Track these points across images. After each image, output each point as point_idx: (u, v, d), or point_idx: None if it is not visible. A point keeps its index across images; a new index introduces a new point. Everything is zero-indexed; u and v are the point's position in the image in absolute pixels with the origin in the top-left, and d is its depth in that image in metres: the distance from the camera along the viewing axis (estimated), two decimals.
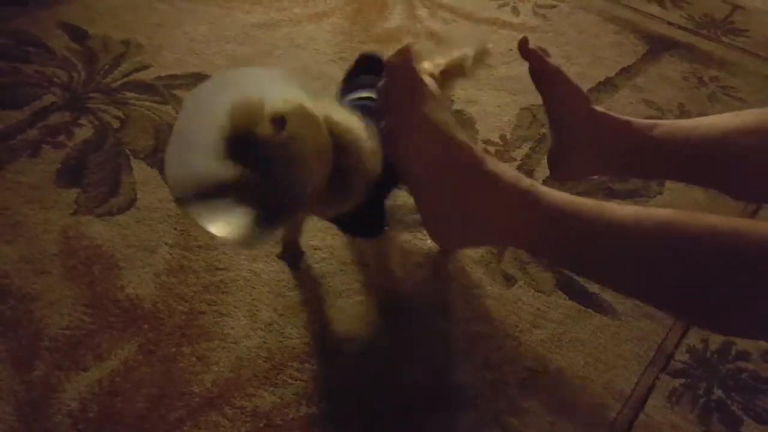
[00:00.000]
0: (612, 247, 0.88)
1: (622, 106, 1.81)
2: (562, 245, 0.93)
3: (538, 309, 1.33)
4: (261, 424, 1.11)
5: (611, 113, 1.17)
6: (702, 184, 1.20)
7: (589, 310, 1.34)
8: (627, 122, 1.14)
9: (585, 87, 1.82)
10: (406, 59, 1.00)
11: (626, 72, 1.94)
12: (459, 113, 1.71)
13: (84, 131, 1.56)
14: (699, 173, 1.10)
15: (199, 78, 1.75)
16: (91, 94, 1.66)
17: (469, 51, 1.35)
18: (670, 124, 1.13)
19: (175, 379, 1.14)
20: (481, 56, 1.39)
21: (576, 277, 1.38)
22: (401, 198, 1.42)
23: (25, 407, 1.08)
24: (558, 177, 1.26)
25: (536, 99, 1.80)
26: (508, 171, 0.97)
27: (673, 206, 0.95)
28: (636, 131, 1.13)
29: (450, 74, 1.32)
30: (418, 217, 1.11)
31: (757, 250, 0.77)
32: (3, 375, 1.12)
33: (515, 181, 0.95)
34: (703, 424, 1.18)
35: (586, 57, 1.95)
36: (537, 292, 1.36)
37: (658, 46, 2.04)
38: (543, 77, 1.19)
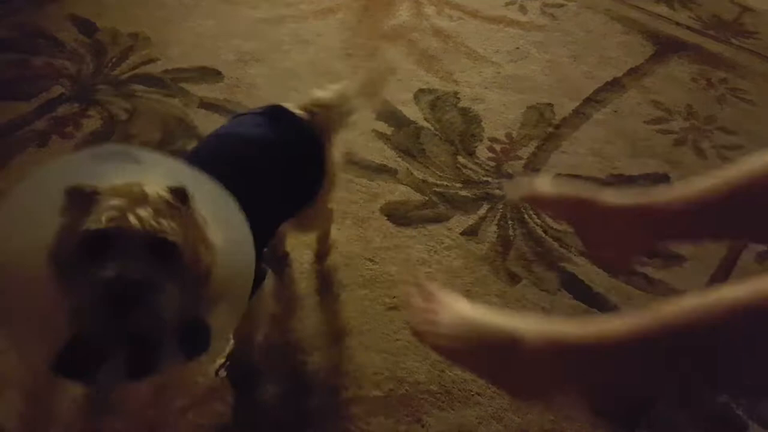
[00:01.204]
0: None
1: (629, 107, 1.84)
2: None
3: (543, 307, 1.36)
4: (265, 412, 1.15)
5: (625, 201, 1.23)
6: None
7: (594, 309, 1.37)
8: (644, 206, 1.18)
9: (592, 86, 1.88)
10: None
11: (634, 72, 1.97)
12: (465, 111, 1.75)
13: (92, 122, 1.59)
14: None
15: (205, 72, 1.79)
16: (99, 86, 1.70)
17: (351, 87, 1.26)
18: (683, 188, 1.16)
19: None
20: (374, 86, 1.27)
21: (581, 277, 1.41)
22: None
23: (32, 395, 1.12)
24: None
25: (543, 97, 1.86)
26: None
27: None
28: (655, 210, 1.16)
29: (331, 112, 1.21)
30: None
31: None
32: (12, 364, 1.15)
33: None
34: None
35: (593, 56, 1.98)
36: (541, 290, 1.39)
37: (666, 47, 2.06)
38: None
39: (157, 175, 0.83)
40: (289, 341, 1.25)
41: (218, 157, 1.03)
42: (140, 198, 0.79)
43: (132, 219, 0.77)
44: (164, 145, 1.56)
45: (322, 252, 1.40)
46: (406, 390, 1.21)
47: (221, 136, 1.10)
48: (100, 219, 0.77)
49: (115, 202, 0.78)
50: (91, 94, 1.67)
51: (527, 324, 1.00)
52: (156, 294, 0.77)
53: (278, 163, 1.08)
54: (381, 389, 1.20)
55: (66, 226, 0.80)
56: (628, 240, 1.17)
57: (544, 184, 1.21)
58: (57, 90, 1.67)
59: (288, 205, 1.13)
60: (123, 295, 0.75)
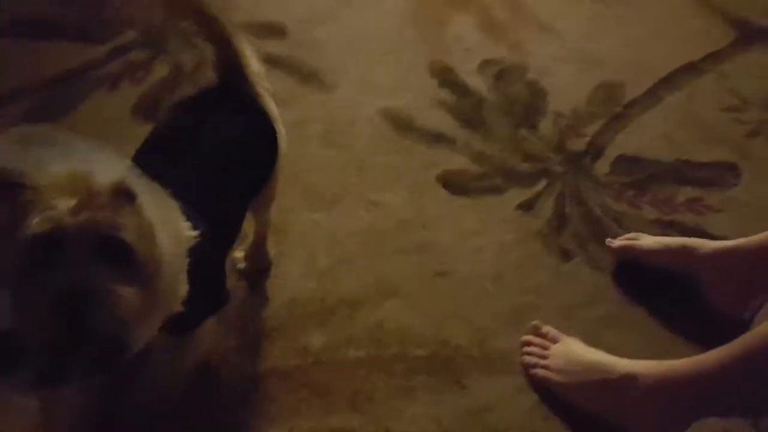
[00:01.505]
0: None
1: (704, 93, 1.80)
2: None
3: (595, 287, 1.36)
4: (310, 360, 1.20)
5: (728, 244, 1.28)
6: None
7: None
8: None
9: (669, 67, 1.83)
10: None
11: (712, 58, 1.92)
12: (531, 84, 1.75)
13: (161, 70, 1.66)
14: None
15: (272, 27, 1.83)
16: (169, 35, 1.76)
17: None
18: None
19: (233, 308, 1.22)
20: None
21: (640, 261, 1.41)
22: None
23: None
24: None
25: (613, 76, 1.84)
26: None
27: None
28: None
29: None
30: None
31: None
32: None
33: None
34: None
35: (671, 37, 1.94)
36: (595, 270, 1.39)
37: (748, 35, 2.00)
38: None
39: (96, 165, 0.77)
40: (337, 296, 1.29)
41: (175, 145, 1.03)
42: (87, 191, 0.73)
43: (81, 217, 0.72)
44: None
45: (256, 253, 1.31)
46: (449, 353, 1.23)
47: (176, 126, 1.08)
48: (44, 219, 0.71)
49: (58, 198, 0.72)
50: (162, 41, 1.73)
51: (638, 363, 1.08)
52: (112, 298, 0.73)
53: (237, 147, 1.06)
54: (424, 350, 1.24)
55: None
56: (747, 282, 1.22)
57: (645, 237, 1.36)
58: (130, 35, 1.73)
59: (251, 187, 1.12)
60: (77, 304, 0.71)
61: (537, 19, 1.95)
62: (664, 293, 1.34)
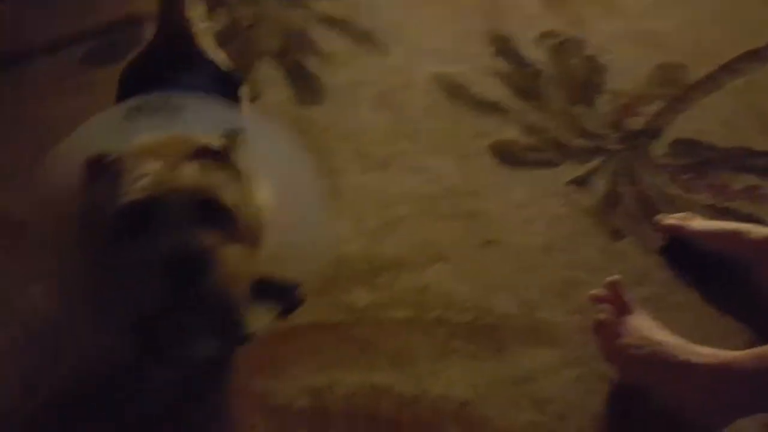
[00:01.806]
0: None
1: (764, 80, 1.77)
2: None
3: (644, 267, 1.34)
4: (355, 317, 1.20)
5: None
6: None
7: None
8: None
9: (731, 54, 1.80)
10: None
11: None
12: (590, 60, 1.73)
13: (217, 24, 1.66)
14: None
15: None
16: None
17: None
18: None
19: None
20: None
21: (689, 242, 1.40)
22: None
23: None
24: None
25: (676, 57, 1.81)
26: None
27: None
28: None
29: None
30: None
31: None
32: None
33: None
34: None
35: (737, 22, 1.88)
36: (645, 250, 1.37)
37: None
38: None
39: (202, 123, 0.78)
40: (383, 257, 1.30)
41: None
42: (182, 153, 0.74)
43: (175, 179, 0.72)
44: (283, 54, 1.62)
45: None
46: (492, 321, 1.23)
47: None
48: (139, 187, 0.71)
49: (151, 164, 0.72)
50: None
51: (703, 351, 1.07)
52: (218, 259, 0.72)
53: None
54: (466, 316, 1.23)
55: (91, 203, 0.74)
56: None
57: (697, 218, 1.35)
58: None
59: None
60: (185, 268, 0.70)
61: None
62: (714, 277, 1.32)
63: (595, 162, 1.52)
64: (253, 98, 1.51)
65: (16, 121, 1.45)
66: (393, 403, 1.12)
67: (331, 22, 1.73)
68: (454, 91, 1.62)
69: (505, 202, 1.42)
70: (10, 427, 1.09)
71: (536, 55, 1.72)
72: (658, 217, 1.39)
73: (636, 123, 1.60)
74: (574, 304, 1.27)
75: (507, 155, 1.50)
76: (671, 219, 1.37)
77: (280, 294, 0.89)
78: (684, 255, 1.36)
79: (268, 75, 1.58)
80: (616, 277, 1.19)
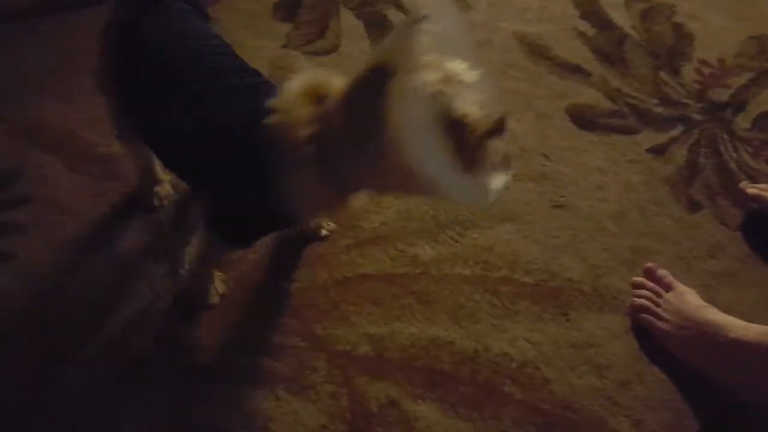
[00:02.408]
0: None
1: None
2: None
3: (719, 240, 1.26)
4: (418, 270, 1.17)
5: None
6: None
7: None
8: None
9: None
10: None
11: None
12: (678, 27, 1.61)
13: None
14: None
15: None
16: None
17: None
18: None
19: (349, 213, 1.19)
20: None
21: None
22: None
23: None
24: None
25: (766, 30, 1.68)
26: None
27: None
28: None
29: None
30: None
31: None
32: None
33: None
34: None
35: None
36: (721, 224, 1.29)
37: None
38: None
39: None
40: (449, 214, 1.25)
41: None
42: None
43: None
44: (365, 5, 1.57)
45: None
46: (558, 284, 1.18)
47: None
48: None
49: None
50: None
51: (751, 328, 1.00)
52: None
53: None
54: (532, 277, 1.18)
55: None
56: None
57: None
58: None
59: None
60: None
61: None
62: None
63: (676, 131, 1.43)
64: (333, 49, 1.48)
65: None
66: (452, 358, 1.09)
67: None
68: (536, 51, 1.54)
69: (579, 165, 1.35)
70: None
71: (623, 19, 1.62)
72: (743, 184, 1.32)
73: (722, 94, 1.50)
74: (640, 273, 1.20)
75: (585, 119, 1.42)
76: (755, 188, 1.29)
77: None
78: (762, 231, 1.27)
79: (348, 25, 1.53)
80: (650, 264, 1.18)
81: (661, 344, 1.11)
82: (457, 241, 1.21)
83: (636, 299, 1.15)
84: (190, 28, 0.99)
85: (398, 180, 0.82)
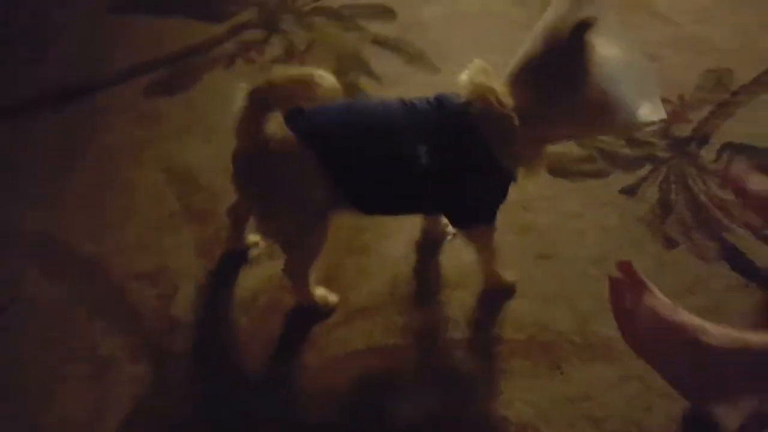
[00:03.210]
0: None
1: None
2: None
3: (698, 275, 1.24)
4: (410, 340, 1.13)
5: None
6: None
7: (753, 284, 1.23)
8: None
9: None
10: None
11: None
12: None
13: (274, 49, 1.61)
14: None
15: (381, 9, 1.75)
16: (284, 15, 1.71)
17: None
18: None
19: (336, 285, 1.17)
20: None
21: (743, 249, 1.28)
22: None
23: (205, 290, 1.16)
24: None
25: (723, 62, 1.67)
26: None
27: None
28: None
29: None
30: None
31: None
32: (190, 258, 1.20)
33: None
34: None
35: None
36: (699, 258, 1.26)
37: None
38: None
39: None
40: (436, 275, 1.22)
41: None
42: None
43: None
44: (337, 75, 1.54)
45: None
46: (548, 337, 1.14)
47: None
48: None
49: None
50: (276, 22, 1.68)
51: (717, 328, 0.94)
52: None
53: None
54: (523, 333, 1.15)
55: None
56: None
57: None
58: (246, 15, 1.69)
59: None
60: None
61: (647, 4, 1.80)
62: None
63: (645, 170, 1.41)
64: None
65: (84, 150, 1.41)
66: (454, 430, 1.05)
67: (383, 43, 1.66)
68: None
69: (557, 214, 1.33)
70: None
71: None
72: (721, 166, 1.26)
73: (684, 129, 1.48)
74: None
75: (557, 167, 1.41)
76: (734, 169, 1.21)
77: None
78: (739, 261, 1.25)
79: None
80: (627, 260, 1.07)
81: (631, 345, 1.02)
82: (446, 305, 1.18)
83: (614, 296, 1.03)
84: (334, 108, 1.02)
85: (591, 119, 0.95)
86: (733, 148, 1.43)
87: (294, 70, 0.97)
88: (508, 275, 1.21)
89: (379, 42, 1.66)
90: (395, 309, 1.16)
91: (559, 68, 0.93)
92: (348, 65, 1.59)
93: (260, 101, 0.94)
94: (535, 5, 1.78)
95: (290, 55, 1.59)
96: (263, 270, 1.19)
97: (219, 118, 1.43)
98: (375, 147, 0.97)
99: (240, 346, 1.12)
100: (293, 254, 1.09)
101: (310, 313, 1.14)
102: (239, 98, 0.94)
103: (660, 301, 1.02)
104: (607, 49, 0.92)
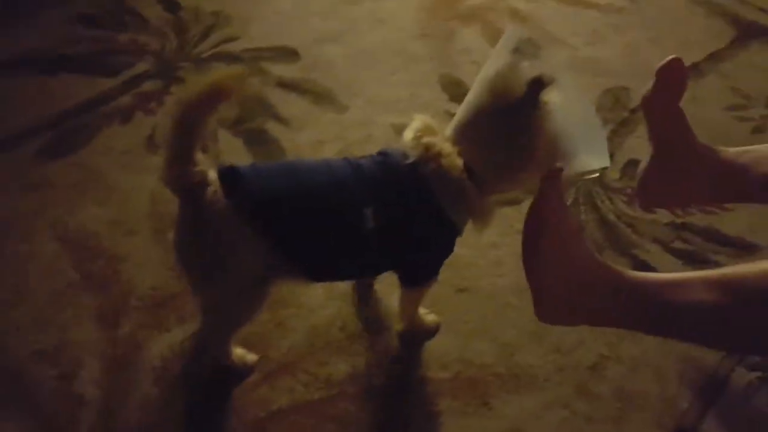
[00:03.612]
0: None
1: (708, 93, 1.70)
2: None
3: None
4: (334, 392, 1.10)
5: (707, 145, 1.09)
6: None
7: None
8: (720, 152, 1.06)
9: None
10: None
11: (714, 58, 1.82)
12: None
13: (174, 99, 1.56)
14: None
15: (283, 51, 1.74)
16: (181, 64, 1.67)
17: None
18: (757, 150, 1.05)
19: (253, 343, 1.13)
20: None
21: (653, 264, 1.31)
22: None
23: (110, 363, 1.10)
24: (645, 203, 1.18)
25: (619, 81, 1.74)
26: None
27: None
28: (727, 159, 1.05)
29: None
30: None
31: None
32: (91, 332, 1.13)
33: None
34: None
35: (672, 40, 1.84)
36: None
37: (748, 32, 1.90)
38: (660, 105, 1.10)
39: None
40: (357, 321, 1.19)
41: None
42: None
43: None
44: (242, 122, 1.52)
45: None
46: (474, 372, 1.14)
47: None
48: None
49: None
50: (174, 71, 1.64)
51: (626, 273, 0.89)
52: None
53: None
54: (449, 371, 1.14)
55: None
56: (694, 176, 1.06)
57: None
58: (141, 66, 1.64)
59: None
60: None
61: (542, 30, 1.85)
62: None
63: None
64: None
65: None
66: None
67: (288, 85, 1.64)
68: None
69: (474, 244, 1.32)
70: None
71: None
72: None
73: None
74: (548, 344, 1.18)
75: None
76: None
77: None
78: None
79: (228, 145, 1.47)
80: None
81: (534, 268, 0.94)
82: (369, 350, 1.15)
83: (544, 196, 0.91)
84: (274, 169, 1.00)
85: (541, 172, 0.88)
86: (637, 165, 1.47)
87: (201, 84, 0.89)
88: (430, 317, 1.20)
89: (284, 84, 1.64)
90: (317, 361, 1.13)
91: (511, 126, 0.92)
92: (253, 111, 1.56)
93: (185, 126, 0.88)
94: (434, 38, 1.82)
95: None
96: (173, 336, 1.13)
97: (116, 176, 1.38)
98: (318, 213, 0.94)
99: (153, 420, 1.05)
100: (222, 321, 1.04)
101: (226, 377, 1.09)
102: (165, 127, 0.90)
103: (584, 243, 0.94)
104: (558, 103, 0.92)
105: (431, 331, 1.19)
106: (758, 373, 1.16)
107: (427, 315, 1.19)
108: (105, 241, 1.26)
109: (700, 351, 1.18)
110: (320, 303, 1.20)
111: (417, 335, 1.19)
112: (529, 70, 0.90)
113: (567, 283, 0.88)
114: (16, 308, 1.14)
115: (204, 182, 0.91)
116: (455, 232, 1.03)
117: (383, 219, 0.95)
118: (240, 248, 0.93)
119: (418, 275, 1.09)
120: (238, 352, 1.09)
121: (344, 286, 1.23)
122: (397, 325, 1.19)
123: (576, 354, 1.17)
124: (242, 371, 1.10)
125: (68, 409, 1.03)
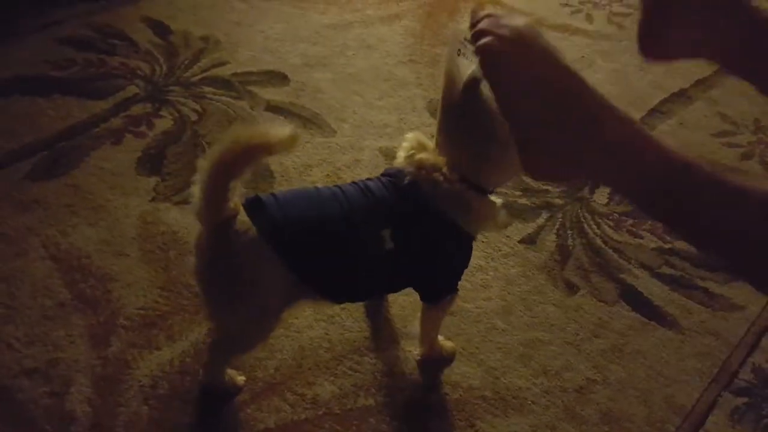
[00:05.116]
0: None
1: (696, 119, 1.79)
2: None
3: (600, 318, 1.33)
4: (320, 412, 1.14)
5: None
6: None
7: (653, 322, 1.34)
8: None
9: (658, 97, 1.84)
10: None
11: (701, 84, 1.91)
12: None
13: (164, 122, 1.63)
14: None
15: (272, 75, 1.81)
16: (171, 87, 1.74)
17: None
18: None
19: (241, 363, 1.18)
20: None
21: (640, 289, 1.38)
22: None
23: (101, 381, 1.14)
24: (650, 54, 0.98)
25: None
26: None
27: None
28: (750, 8, 0.79)
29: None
30: None
31: None
32: (81, 350, 1.18)
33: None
34: None
35: (660, 67, 1.93)
36: (599, 301, 1.36)
37: None
38: None
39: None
40: (344, 342, 1.25)
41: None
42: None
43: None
44: None
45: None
46: (460, 395, 1.19)
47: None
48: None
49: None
50: (164, 94, 1.71)
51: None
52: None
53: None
54: (435, 394, 1.19)
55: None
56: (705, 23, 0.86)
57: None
58: (132, 90, 1.71)
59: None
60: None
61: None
62: (665, 322, 1.33)
63: (542, 219, 1.51)
64: None
65: None
66: None
67: (278, 108, 1.71)
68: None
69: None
70: None
71: None
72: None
73: None
74: (536, 366, 1.24)
75: None
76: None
77: None
78: (637, 301, 1.36)
79: None
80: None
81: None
82: (355, 371, 1.21)
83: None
84: (294, 197, 1.04)
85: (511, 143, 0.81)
86: None
87: (249, 131, 0.95)
88: (449, 344, 1.25)
89: (273, 108, 1.71)
90: (304, 381, 1.18)
91: (468, 123, 0.97)
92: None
93: (224, 170, 0.93)
94: (421, 63, 1.90)
95: (182, 127, 1.62)
96: (162, 355, 1.18)
97: (107, 197, 1.44)
98: (340, 238, 1.00)
99: None
100: (235, 345, 1.11)
101: (215, 396, 1.14)
102: (200, 171, 0.93)
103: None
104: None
105: (449, 357, 1.25)
106: (745, 399, 1.23)
107: (444, 341, 1.25)
108: (96, 260, 1.31)
109: (688, 375, 1.25)
110: (308, 324, 1.26)
111: (436, 361, 1.24)
112: (465, 67, 0.94)
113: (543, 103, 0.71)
114: (8, 325, 1.19)
115: (235, 215, 0.98)
116: (470, 239, 1.08)
117: (400, 239, 1.02)
118: (266, 276, 0.99)
119: (438, 288, 1.15)
120: (228, 372, 1.15)
121: (332, 308, 1.29)
122: (417, 351, 1.25)
123: (563, 377, 1.23)
124: (231, 391, 1.15)
125: (59, 426, 1.07)
